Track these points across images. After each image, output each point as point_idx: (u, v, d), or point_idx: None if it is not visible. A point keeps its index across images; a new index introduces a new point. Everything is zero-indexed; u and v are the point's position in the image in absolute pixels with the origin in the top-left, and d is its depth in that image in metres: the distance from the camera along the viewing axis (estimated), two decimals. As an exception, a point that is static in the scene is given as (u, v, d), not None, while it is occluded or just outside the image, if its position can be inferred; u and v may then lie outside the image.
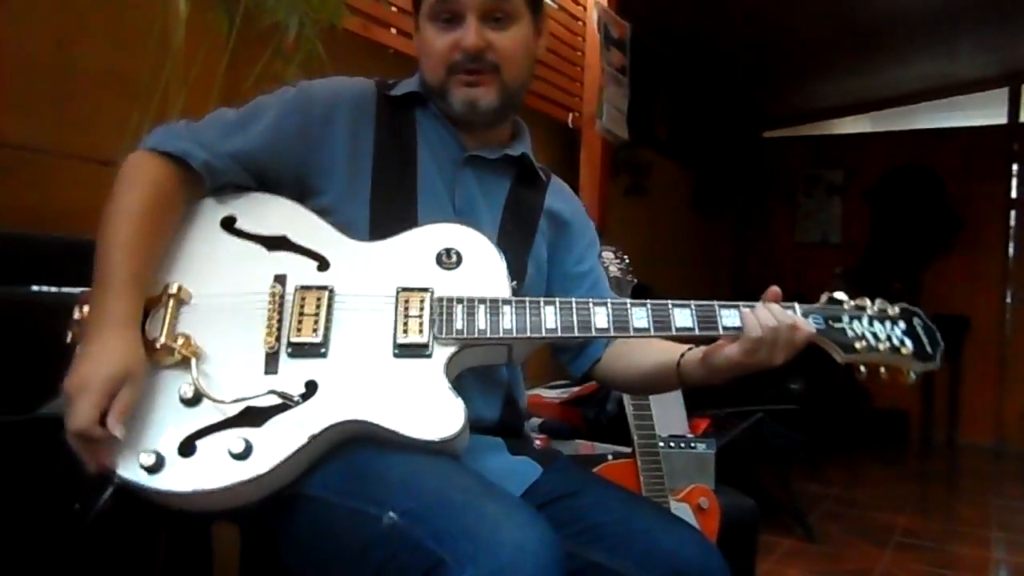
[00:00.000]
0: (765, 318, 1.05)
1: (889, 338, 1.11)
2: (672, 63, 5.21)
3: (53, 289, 1.21)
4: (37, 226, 1.43)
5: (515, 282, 1.11)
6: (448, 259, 1.09)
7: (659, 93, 5.08)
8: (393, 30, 2.49)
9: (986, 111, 6.06)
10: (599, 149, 3.58)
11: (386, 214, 1.14)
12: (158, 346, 0.98)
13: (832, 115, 6.61)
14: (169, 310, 1.01)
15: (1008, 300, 5.95)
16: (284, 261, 1.08)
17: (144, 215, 1.03)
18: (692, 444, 2.27)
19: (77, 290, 1.07)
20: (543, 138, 3.53)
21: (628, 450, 1.93)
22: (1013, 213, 5.97)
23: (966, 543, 3.46)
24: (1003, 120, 6.03)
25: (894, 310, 1.14)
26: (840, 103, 6.40)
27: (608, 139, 3.64)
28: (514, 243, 1.22)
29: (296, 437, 0.95)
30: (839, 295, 1.14)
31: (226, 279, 1.06)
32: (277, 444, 0.95)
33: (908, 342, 1.11)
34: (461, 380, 1.07)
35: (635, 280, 1.99)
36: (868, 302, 1.14)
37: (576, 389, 2.71)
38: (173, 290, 1.03)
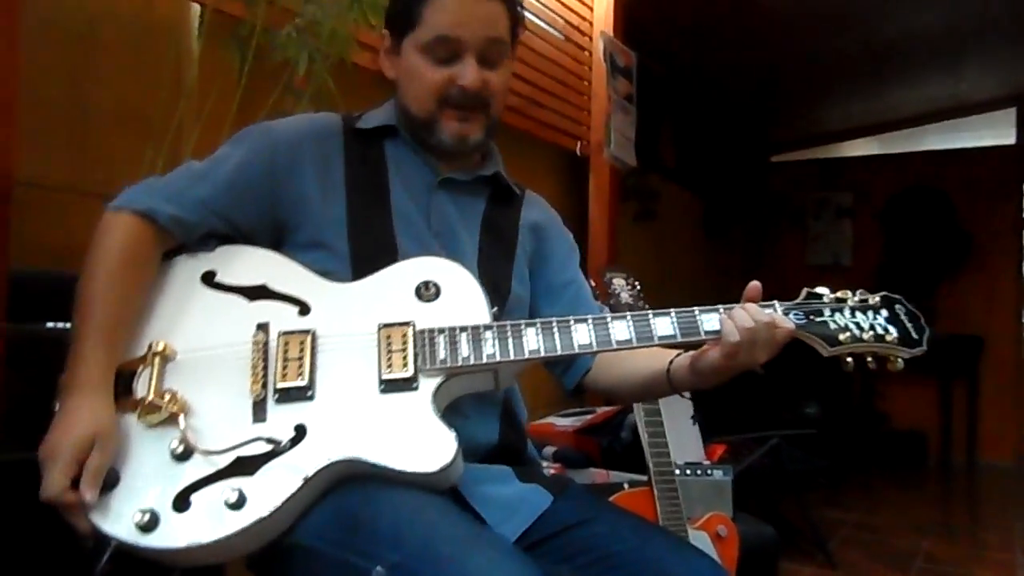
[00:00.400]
0: (742, 320, 1.06)
1: (872, 327, 1.11)
2: (679, 90, 5.24)
3: (69, 326, 1.22)
4: (53, 263, 1.45)
5: (495, 307, 1.12)
6: (427, 291, 1.10)
7: (666, 120, 5.11)
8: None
9: (994, 131, 6.06)
10: (608, 176, 3.59)
11: (366, 245, 1.15)
12: (146, 404, 0.99)
13: (840, 138, 6.62)
14: (155, 368, 1.03)
15: (1023, 319, 5.90)
16: (266, 309, 1.09)
17: (113, 277, 1.05)
18: (709, 471, 2.25)
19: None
20: (551, 167, 3.55)
21: (644, 478, 1.91)
22: (1025, 233, 5.95)
23: (989, 568, 3.39)
24: (1012, 140, 6.02)
25: (875, 299, 1.14)
26: (848, 126, 6.41)
27: (617, 166, 3.65)
28: (495, 262, 1.24)
29: (289, 482, 0.95)
30: (820, 289, 1.15)
31: (210, 332, 1.07)
32: (271, 491, 0.95)
33: (892, 329, 1.11)
34: (455, 403, 1.08)
35: (647, 306, 1.99)
36: (849, 293, 1.14)
37: (590, 417, 2.70)
38: (158, 348, 1.04)
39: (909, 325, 1.12)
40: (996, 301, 5.86)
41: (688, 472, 2.20)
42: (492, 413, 1.20)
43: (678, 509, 1.87)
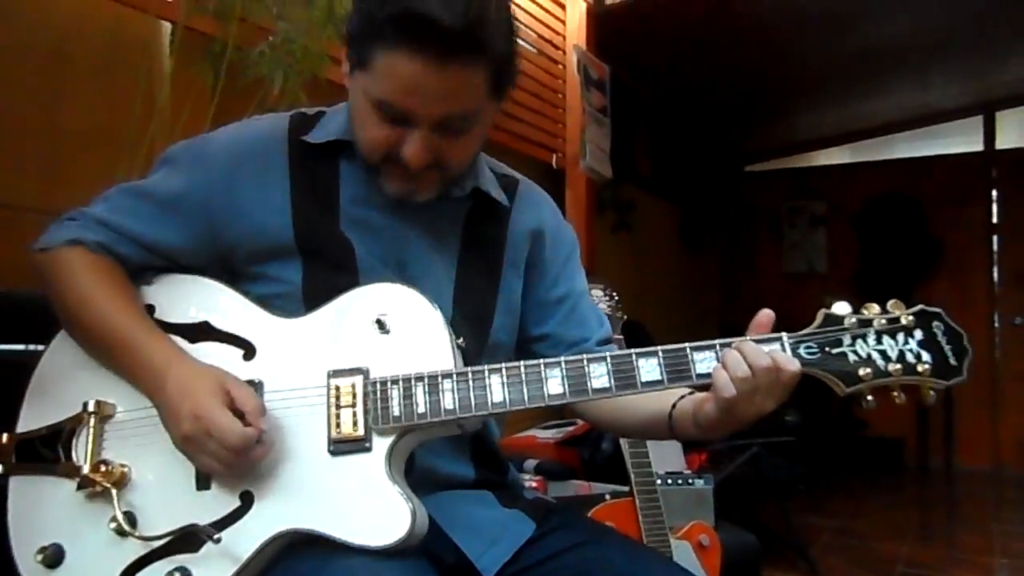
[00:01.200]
0: (735, 367, 0.90)
1: (902, 356, 0.92)
2: (652, 101, 5.29)
3: (40, 347, 1.20)
4: (25, 284, 1.43)
5: (461, 339, 1.00)
6: (382, 328, 0.97)
7: (641, 131, 5.15)
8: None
9: (963, 139, 6.16)
10: (584, 188, 3.61)
11: (318, 278, 1.04)
12: (82, 477, 0.96)
13: (813, 147, 6.70)
14: (91, 431, 0.98)
15: (996, 324, 5.99)
16: (208, 353, 1.01)
17: (103, 286, 1.03)
18: (690, 480, 2.25)
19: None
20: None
21: (626, 489, 1.91)
22: (995, 238, 6.03)
23: (969, 570, 3.43)
24: (979, 147, 6.13)
25: (908, 317, 0.93)
26: (820, 135, 6.49)
27: (592, 178, 3.67)
28: (476, 292, 1.12)
29: (234, 559, 0.91)
30: (839, 307, 0.94)
31: None
32: (216, 569, 0.91)
33: (926, 356, 0.92)
34: (424, 443, 1.01)
35: (625, 317, 2.00)
36: (876, 310, 0.94)
37: (571, 429, 2.70)
38: (92, 407, 0.99)
39: (947, 348, 0.93)
40: (969, 306, 5.94)
41: (669, 482, 2.20)
42: (463, 450, 1.13)
43: (660, 519, 1.87)
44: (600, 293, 2.02)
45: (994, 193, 6.05)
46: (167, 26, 1.86)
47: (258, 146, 1.08)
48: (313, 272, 1.04)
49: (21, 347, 1.34)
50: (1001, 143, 6.07)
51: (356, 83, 1.00)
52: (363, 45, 0.95)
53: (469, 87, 0.95)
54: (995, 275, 6.02)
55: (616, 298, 2.04)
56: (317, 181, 1.08)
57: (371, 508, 0.91)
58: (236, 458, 0.91)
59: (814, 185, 6.66)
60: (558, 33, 3.56)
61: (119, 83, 1.79)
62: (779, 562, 3.35)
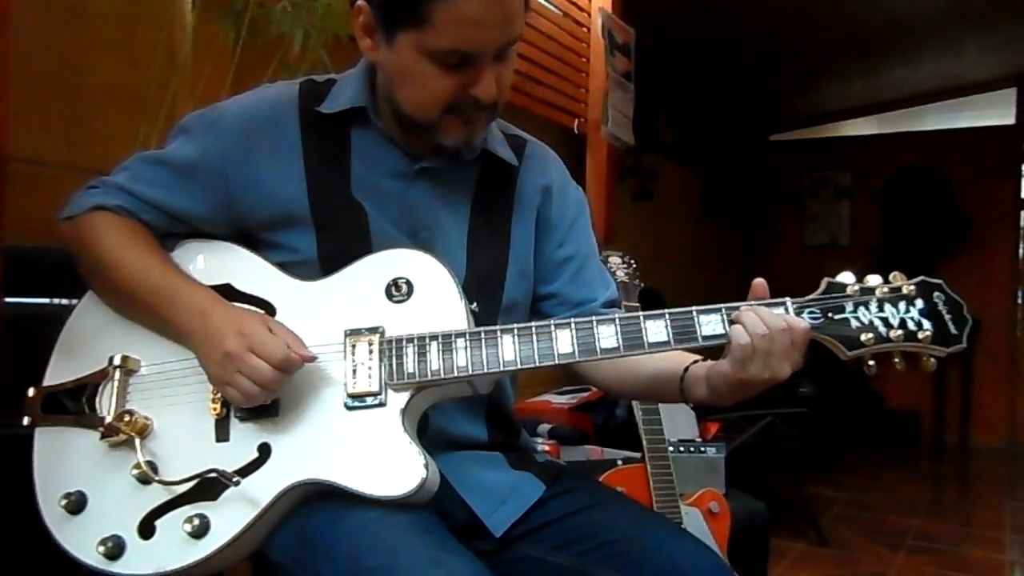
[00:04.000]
0: (755, 326, 0.93)
1: (903, 323, 0.95)
2: (677, 68, 5.22)
3: (64, 301, 1.22)
4: (48, 239, 1.45)
5: (475, 304, 1.04)
6: (398, 291, 1.00)
7: (664, 98, 5.08)
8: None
9: (994, 111, 6.04)
10: (605, 155, 3.58)
11: (334, 244, 1.06)
12: (105, 426, 0.98)
13: (839, 117, 6.60)
14: (116, 383, 1.01)
15: (1019, 300, 5.93)
16: None
17: (132, 249, 1.05)
18: (702, 448, 2.26)
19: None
20: (549, 144, 3.52)
21: (638, 455, 1.93)
22: (1022, 213, 5.93)
23: (979, 545, 3.43)
24: (1011, 120, 6.01)
25: (909, 287, 0.96)
26: (847, 105, 6.39)
27: (614, 144, 3.64)
28: (489, 250, 1.14)
29: (251, 507, 0.94)
30: (843, 277, 0.98)
31: (173, 344, 1.03)
32: (233, 517, 0.94)
33: (927, 324, 0.95)
34: (439, 403, 1.04)
35: (642, 284, 2.00)
36: (879, 280, 0.97)
37: (585, 395, 2.71)
38: (118, 361, 1.02)
39: (948, 317, 0.96)
40: (992, 282, 5.88)
41: (682, 449, 2.22)
42: (477, 412, 1.15)
43: (671, 485, 1.89)
44: (618, 260, 2.02)
45: (1024, 168, 5.95)
46: (189, -18, 1.85)
47: (271, 116, 1.09)
48: (327, 240, 1.06)
49: (46, 300, 1.36)
50: (1034, 117, 5.94)
51: (402, 44, 0.99)
52: (412, 6, 0.95)
53: (517, 5, 0.99)
54: (1020, 251, 5.93)
55: (634, 265, 2.03)
56: (329, 150, 1.09)
57: (385, 460, 0.94)
58: (274, 376, 0.93)
59: (839, 156, 6.58)
60: (583, -5, 3.51)
61: (141, 39, 1.79)
62: (788, 531, 3.38)
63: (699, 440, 2.39)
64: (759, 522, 2.22)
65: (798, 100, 6.34)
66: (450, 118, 1.03)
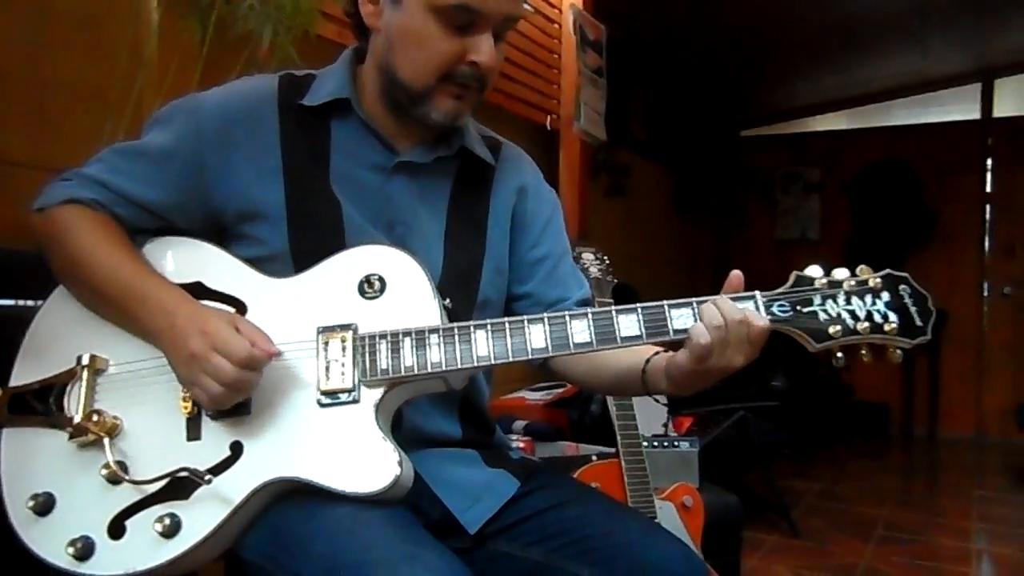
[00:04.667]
0: (710, 317, 0.95)
1: (870, 315, 0.97)
2: (649, 64, 5.24)
3: (30, 303, 1.20)
4: (13, 239, 1.42)
5: (448, 300, 1.04)
6: (370, 288, 1.00)
7: (636, 94, 5.10)
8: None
9: (960, 106, 6.13)
10: (578, 151, 3.59)
11: (308, 239, 1.06)
12: (73, 426, 0.97)
13: (809, 113, 6.66)
14: (84, 383, 1.00)
15: (985, 293, 6.02)
16: None
17: (104, 243, 1.03)
18: (676, 443, 2.28)
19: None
20: (521, 141, 3.52)
21: (612, 450, 1.94)
22: (988, 207, 6.04)
23: (948, 534, 3.49)
24: (976, 115, 6.10)
25: (876, 280, 0.99)
26: (817, 101, 6.45)
27: (587, 140, 3.65)
28: (465, 249, 1.14)
29: (223, 505, 0.93)
30: (811, 270, 1.00)
31: (141, 343, 1.02)
32: (205, 516, 0.93)
33: (893, 316, 0.97)
34: (412, 399, 1.04)
35: (615, 280, 2.00)
36: (846, 273, 0.99)
37: (560, 391, 2.72)
38: (86, 360, 1.01)
39: (913, 309, 0.98)
40: (958, 275, 5.97)
41: (655, 444, 2.23)
42: (451, 409, 1.15)
43: (645, 480, 1.90)
44: (591, 256, 2.03)
45: (989, 162, 6.04)
46: (155, -23, 1.82)
47: (250, 107, 1.09)
48: (300, 234, 1.06)
49: (11, 302, 1.33)
50: (999, 111, 6.04)
51: (412, 4, 1.01)
52: None
53: None
54: (986, 245, 6.04)
55: (607, 262, 2.04)
56: (309, 143, 1.09)
57: (359, 456, 0.94)
58: (237, 376, 0.92)
59: (809, 151, 6.65)
60: (555, -9, 3.51)
61: (106, 35, 1.76)
62: (762, 524, 3.42)
63: (673, 435, 2.40)
64: (732, 515, 2.25)
65: (770, 96, 6.39)
66: (444, 87, 1.04)
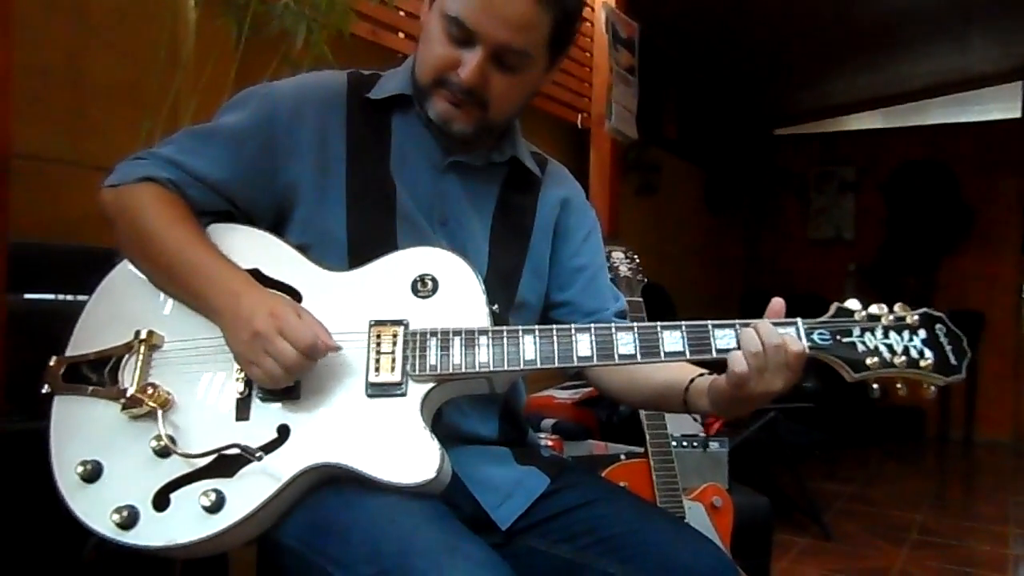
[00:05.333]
0: (748, 343, 0.97)
1: (907, 350, 1.00)
2: (681, 62, 5.20)
3: (69, 297, 1.23)
4: (52, 235, 1.45)
5: (495, 304, 1.06)
6: (423, 287, 1.04)
7: (669, 92, 5.08)
8: (401, 34, 2.50)
9: (1000, 105, 6.02)
10: (609, 149, 3.57)
11: (364, 232, 1.10)
12: (127, 398, 0.99)
13: (844, 112, 6.57)
14: (140, 357, 1.02)
15: (1024, 295, 5.91)
16: None
17: (180, 218, 1.06)
18: (705, 443, 2.26)
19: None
20: (552, 139, 3.53)
21: (641, 450, 1.93)
22: (1028, 208, 5.92)
23: (983, 540, 3.43)
24: (1017, 114, 5.98)
25: (913, 318, 1.01)
26: (852, 99, 6.36)
27: (618, 139, 3.63)
28: (508, 251, 1.19)
29: (268, 485, 0.95)
30: (850, 304, 1.02)
31: (198, 322, 1.05)
32: (249, 494, 0.94)
33: (929, 353, 0.99)
34: (454, 399, 1.06)
35: (645, 280, 1.99)
36: (884, 309, 1.02)
37: (588, 389, 2.71)
38: (143, 336, 1.03)
39: (948, 348, 1.00)
40: (997, 277, 5.86)
41: (685, 444, 2.22)
42: (492, 410, 1.18)
43: (674, 480, 1.89)
44: (621, 255, 2.02)
45: (1029, 162, 5.92)
46: (192, -23, 1.85)
47: (321, 94, 1.15)
48: (356, 215, 1.10)
49: (52, 296, 1.37)
50: (1040, 110, 5.92)
51: (435, 6, 1.07)
52: None
53: (533, 25, 1.04)
54: (1025, 246, 5.92)
55: (637, 261, 2.03)
56: (372, 132, 1.15)
57: (402, 448, 0.96)
58: (298, 360, 0.94)
59: (844, 150, 6.56)
60: (587, -10, 3.50)
61: (143, 35, 1.79)
62: (792, 526, 3.38)
63: (702, 435, 2.39)
64: (762, 517, 2.22)
65: (803, 94, 6.32)
66: (438, 90, 1.09)
